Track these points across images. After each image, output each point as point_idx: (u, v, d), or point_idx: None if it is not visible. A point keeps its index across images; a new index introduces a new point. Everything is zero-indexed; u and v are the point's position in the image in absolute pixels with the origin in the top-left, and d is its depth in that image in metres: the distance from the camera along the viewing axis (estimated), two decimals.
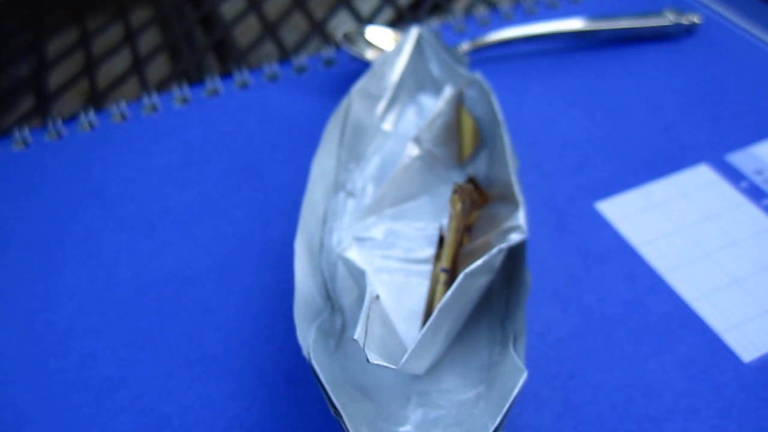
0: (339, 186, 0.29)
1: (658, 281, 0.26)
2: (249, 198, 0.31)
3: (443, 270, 0.24)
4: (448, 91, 0.30)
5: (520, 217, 0.24)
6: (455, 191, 0.25)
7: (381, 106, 0.32)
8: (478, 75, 0.31)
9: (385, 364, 0.20)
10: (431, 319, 0.21)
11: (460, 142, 0.30)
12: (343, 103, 0.30)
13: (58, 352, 0.26)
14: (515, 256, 0.24)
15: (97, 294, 0.27)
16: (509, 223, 0.24)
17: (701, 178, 0.30)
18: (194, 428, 0.23)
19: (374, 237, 0.26)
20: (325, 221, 0.27)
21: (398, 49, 0.33)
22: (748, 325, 0.25)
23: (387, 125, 0.32)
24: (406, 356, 0.20)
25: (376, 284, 0.24)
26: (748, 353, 0.24)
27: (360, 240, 0.26)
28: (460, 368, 0.23)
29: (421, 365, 0.22)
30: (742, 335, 0.24)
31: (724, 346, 0.24)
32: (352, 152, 0.30)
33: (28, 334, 0.26)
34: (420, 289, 0.25)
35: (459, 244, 0.25)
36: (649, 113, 0.34)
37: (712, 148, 0.32)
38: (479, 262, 0.22)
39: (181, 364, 0.25)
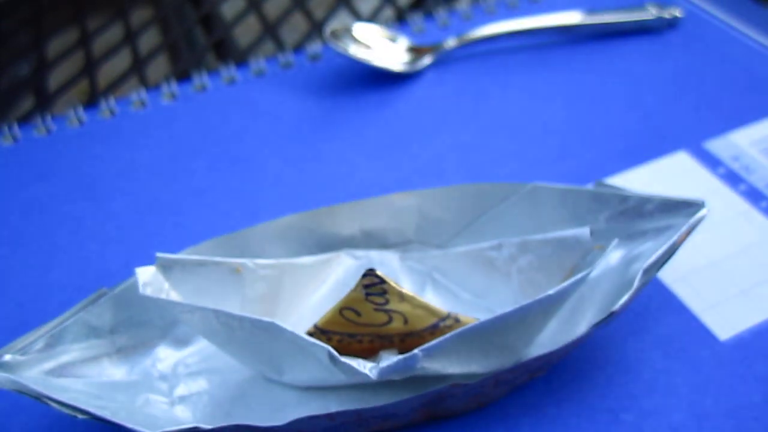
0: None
1: None
2: (236, 190, 0.32)
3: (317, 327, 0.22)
4: None
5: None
6: (365, 275, 0.22)
7: None
8: None
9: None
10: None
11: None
12: None
13: None
14: None
15: (88, 285, 0.28)
16: None
17: (680, 164, 0.31)
18: None
19: None
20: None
21: None
22: (725, 304, 0.25)
23: None
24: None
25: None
26: (724, 332, 0.25)
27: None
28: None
29: None
30: (718, 314, 0.25)
31: (702, 325, 0.25)
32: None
33: (20, 325, 0.27)
34: None
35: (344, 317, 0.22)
36: (630, 103, 0.35)
37: (691, 135, 0.33)
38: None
39: None
